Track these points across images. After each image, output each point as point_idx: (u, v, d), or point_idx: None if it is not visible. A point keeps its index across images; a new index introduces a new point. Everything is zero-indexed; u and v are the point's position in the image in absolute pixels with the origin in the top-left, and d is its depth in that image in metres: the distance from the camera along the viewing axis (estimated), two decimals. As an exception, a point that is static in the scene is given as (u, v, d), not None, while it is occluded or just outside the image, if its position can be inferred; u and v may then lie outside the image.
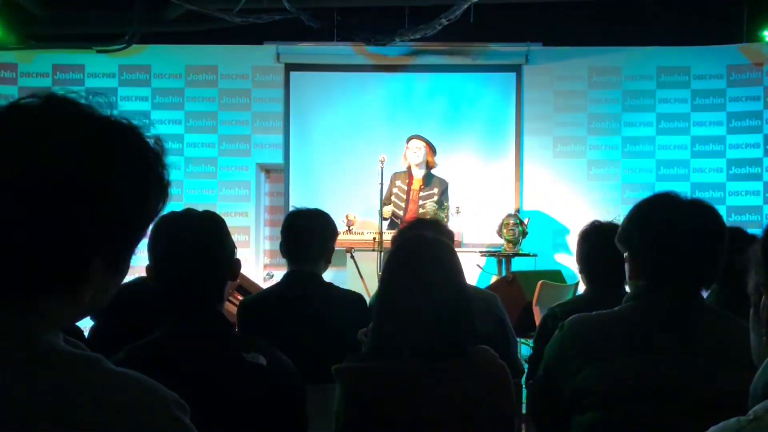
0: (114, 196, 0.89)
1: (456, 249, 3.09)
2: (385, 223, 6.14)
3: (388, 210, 6.23)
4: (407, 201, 6.31)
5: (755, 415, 0.91)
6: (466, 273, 2.01)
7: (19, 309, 0.86)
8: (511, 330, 3.15)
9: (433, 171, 6.45)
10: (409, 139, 6.44)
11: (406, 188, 6.35)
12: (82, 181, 0.86)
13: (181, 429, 0.89)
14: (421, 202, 6.26)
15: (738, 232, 2.60)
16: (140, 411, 0.86)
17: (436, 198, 6.30)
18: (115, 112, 0.93)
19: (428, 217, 6.01)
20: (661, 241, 1.83)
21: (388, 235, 5.52)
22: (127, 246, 0.94)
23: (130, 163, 0.92)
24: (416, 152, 6.32)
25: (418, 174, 6.39)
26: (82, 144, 0.88)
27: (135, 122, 0.95)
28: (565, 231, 7.31)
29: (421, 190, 6.31)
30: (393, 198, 6.35)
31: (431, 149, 6.40)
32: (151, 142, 0.95)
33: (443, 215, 6.13)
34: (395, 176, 6.41)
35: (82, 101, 0.92)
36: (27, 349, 0.84)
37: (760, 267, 0.98)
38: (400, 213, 6.28)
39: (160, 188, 0.96)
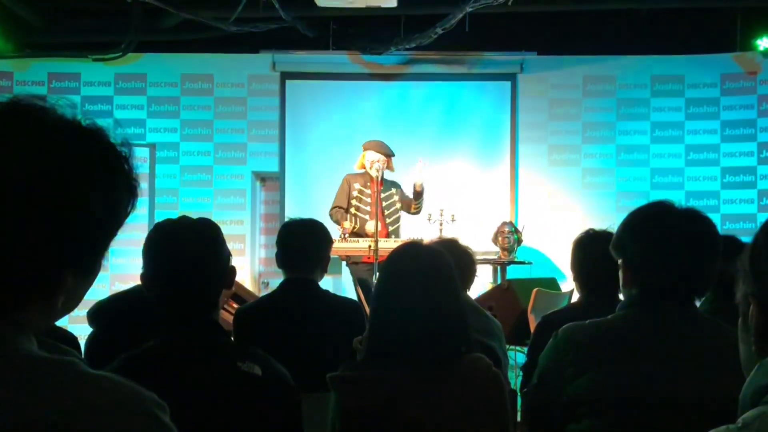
0: (82, 204, 0.88)
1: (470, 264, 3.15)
2: (337, 229, 5.83)
3: (348, 223, 5.92)
4: (371, 204, 6.05)
5: (744, 422, 0.92)
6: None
7: None
8: (503, 359, 3.13)
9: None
10: (367, 148, 6.14)
11: (369, 192, 6.09)
12: (50, 191, 0.85)
13: (160, 427, 0.89)
14: (384, 204, 6.11)
15: (732, 241, 2.61)
16: (118, 411, 0.85)
17: (397, 198, 6.20)
18: (78, 114, 0.91)
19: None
20: (656, 250, 1.84)
21: (384, 243, 5.52)
22: (98, 252, 0.93)
23: (98, 169, 0.90)
24: (378, 168, 6.00)
25: (376, 177, 6.08)
26: (48, 154, 0.86)
27: (99, 124, 0.92)
28: (559, 239, 7.32)
29: (380, 192, 6.11)
30: (354, 202, 6.06)
31: (389, 158, 6.14)
32: (117, 144, 0.93)
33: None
34: (352, 179, 6.10)
35: (45, 105, 0.89)
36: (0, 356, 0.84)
37: (748, 277, 0.99)
38: (366, 217, 6.03)
39: (129, 191, 0.94)
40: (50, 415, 0.81)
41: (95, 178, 0.89)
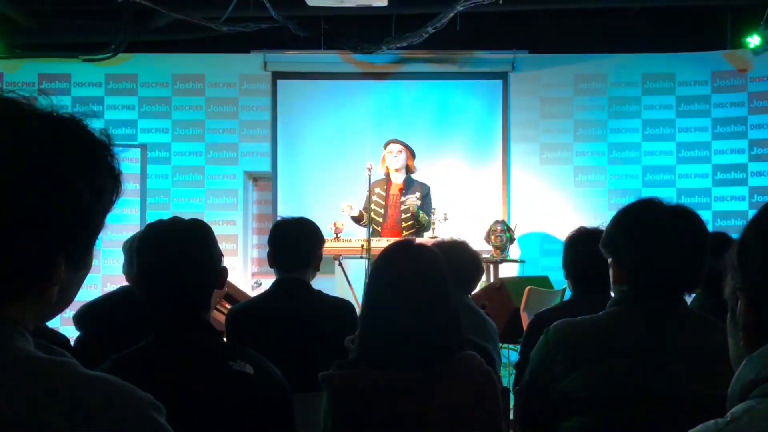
0: (69, 190, 0.89)
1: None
2: (364, 230, 6.04)
3: (340, 223, 6.05)
4: (386, 207, 6.13)
5: (732, 416, 0.92)
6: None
7: None
8: (497, 360, 3.13)
9: (413, 176, 6.31)
10: (387, 144, 6.27)
11: (384, 194, 6.17)
12: (36, 178, 0.86)
13: (156, 429, 0.89)
14: (402, 208, 6.12)
15: (722, 237, 2.63)
16: (114, 412, 0.85)
17: (419, 203, 6.17)
18: (61, 108, 0.93)
19: (411, 214, 6.03)
20: (645, 247, 1.85)
21: (376, 242, 5.53)
22: (88, 240, 0.94)
23: (80, 156, 0.91)
24: (396, 156, 6.15)
25: (398, 179, 6.23)
26: (31, 143, 0.87)
27: (78, 115, 0.94)
28: (552, 237, 7.34)
29: (401, 194, 6.16)
30: (372, 205, 6.10)
31: (410, 153, 6.25)
32: (96, 133, 0.95)
33: (428, 219, 6.11)
34: (374, 185, 6.14)
35: (20, 98, 0.91)
36: None
37: (736, 272, 0.99)
38: (380, 219, 6.12)
39: (112, 179, 0.95)
40: (46, 416, 0.81)
41: (78, 164, 0.90)
